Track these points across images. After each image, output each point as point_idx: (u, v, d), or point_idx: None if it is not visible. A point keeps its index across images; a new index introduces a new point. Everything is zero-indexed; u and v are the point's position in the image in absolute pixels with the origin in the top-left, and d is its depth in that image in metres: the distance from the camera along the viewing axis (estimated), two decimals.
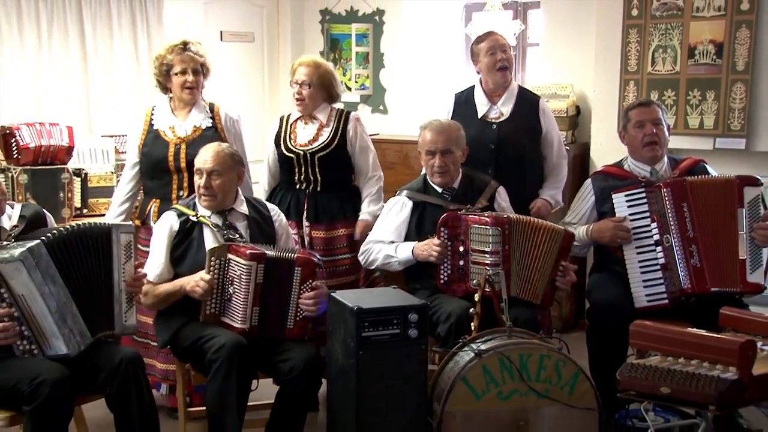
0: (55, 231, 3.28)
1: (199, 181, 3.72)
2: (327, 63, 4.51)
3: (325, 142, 4.32)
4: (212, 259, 3.54)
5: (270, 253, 3.60)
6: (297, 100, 4.35)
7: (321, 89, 4.35)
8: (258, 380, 3.62)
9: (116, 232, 3.37)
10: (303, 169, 4.32)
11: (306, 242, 4.31)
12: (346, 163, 4.41)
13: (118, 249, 3.36)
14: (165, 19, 5.95)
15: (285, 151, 4.34)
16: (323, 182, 4.34)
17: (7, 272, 3.10)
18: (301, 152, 4.31)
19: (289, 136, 4.37)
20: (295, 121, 4.40)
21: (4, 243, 3.23)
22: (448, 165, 4.06)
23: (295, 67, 4.39)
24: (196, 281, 3.53)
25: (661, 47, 5.40)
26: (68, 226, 3.36)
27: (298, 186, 4.36)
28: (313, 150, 4.31)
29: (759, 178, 4.01)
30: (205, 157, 3.74)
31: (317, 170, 4.31)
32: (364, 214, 4.35)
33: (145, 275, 3.55)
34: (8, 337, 3.13)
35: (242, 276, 3.52)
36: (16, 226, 3.33)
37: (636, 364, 3.23)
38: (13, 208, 3.40)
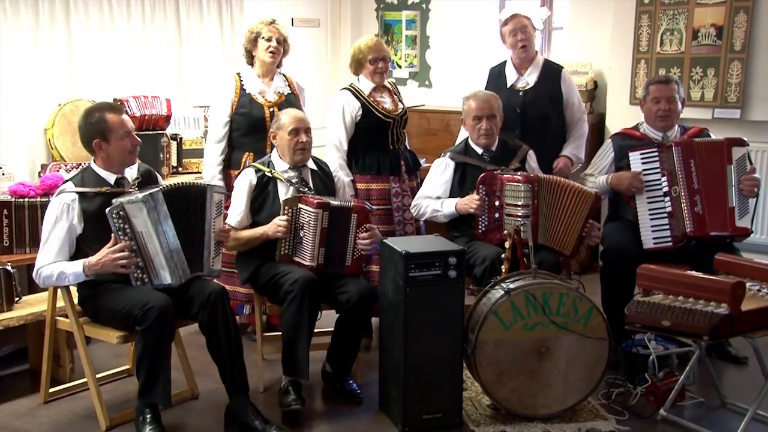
0: (169, 184, 3.37)
1: (296, 137, 3.71)
2: None
3: (404, 107, 4.38)
4: (286, 208, 3.59)
5: (333, 202, 3.63)
6: (380, 73, 4.30)
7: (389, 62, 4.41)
8: (321, 311, 3.68)
9: (210, 191, 3.42)
10: (395, 131, 4.32)
11: (410, 193, 4.34)
12: None
13: (211, 205, 3.41)
14: (245, 8, 5.94)
15: (384, 118, 4.26)
16: (405, 141, 4.42)
17: (131, 211, 3.20)
18: (396, 117, 4.31)
19: (377, 105, 4.29)
20: (371, 92, 4.31)
21: (130, 189, 3.34)
22: (493, 128, 4.04)
23: (371, 46, 4.29)
24: (276, 225, 3.58)
25: (668, 30, 5.29)
26: (177, 182, 3.43)
27: (392, 147, 4.32)
28: (401, 113, 4.34)
29: (745, 139, 4.00)
30: (299, 117, 3.78)
31: (403, 131, 4.36)
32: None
33: (230, 229, 3.58)
34: (128, 263, 3.20)
35: (311, 222, 3.55)
36: (137, 178, 3.43)
37: (642, 301, 3.23)
38: (131, 167, 3.48)
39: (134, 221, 3.21)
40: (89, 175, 3.36)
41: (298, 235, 3.59)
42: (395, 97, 4.41)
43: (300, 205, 3.59)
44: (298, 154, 3.73)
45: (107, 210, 3.18)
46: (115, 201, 3.21)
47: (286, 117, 3.78)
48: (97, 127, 3.31)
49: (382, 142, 4.31)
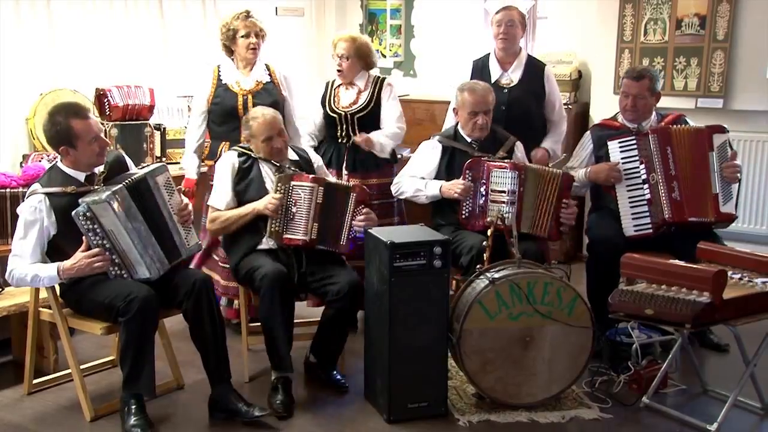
0: (131, 177, 3.30)
1: (270, 144, 3.69)
2: (363, 36, 4.51)
3: (363, 105, 4.34)
4: (279, 185, 3.60)
5: (330, 179, 3.66)
6: (338, 70, 4.37)
7: (358, 60, 4.36)
8: (303, 300, 3.70)
9: (151, 178, 3.34)
10: (344, 126, 4.34)
11: None
12: (379, 122, 4.39)
13: (159, 190, 3.36)
14: None
15: (329, 112, 4.36)
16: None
17: (98, 211, 3.16)
18: (343, 113, 4.33)
19: (333, 99, 4.38)
20: (339, 86, 4.42)
21: (95, 188, 3.28)
22: (488, 122, 4.04)
23: (335, 42, 4.39)
24: (268, 200, 3.58)
25: (652, 20, 5.31)
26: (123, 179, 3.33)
27: (339, 140, 4.37)
28: (353, 111, 4.33)
29: (725, 126, 4.02)
30: (267, 121, 3.69)
31: (355, 128, 4.33)
32: (375, 134, 4.32)
33: (187, 204, 3.51)
34: (104, 265, 3.20)
35: (305, 197, 3.59)
36: (103, 172, 3.36)
37: (625, 290, 3.25)
38: None
39: (102, 221, 3.17)
40: (56, 174, 3.31)
41: (290, 212, 3.60)
42: (366, 93, 4.37)
43: (293, 183, 3.61)
44: (276, 154, 3.72)
45: (73, 213, 3.15)
46: (81, 202, 3.16)
47: (255, 124, 3.72)
48: (63, 134, 3.23)
49: (332, 134, 4.39)
